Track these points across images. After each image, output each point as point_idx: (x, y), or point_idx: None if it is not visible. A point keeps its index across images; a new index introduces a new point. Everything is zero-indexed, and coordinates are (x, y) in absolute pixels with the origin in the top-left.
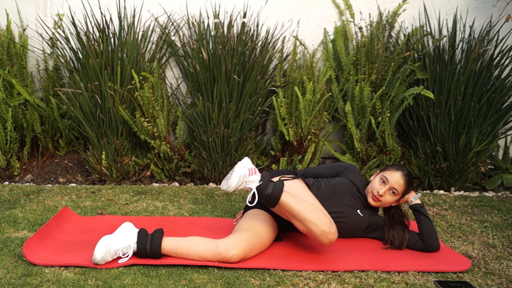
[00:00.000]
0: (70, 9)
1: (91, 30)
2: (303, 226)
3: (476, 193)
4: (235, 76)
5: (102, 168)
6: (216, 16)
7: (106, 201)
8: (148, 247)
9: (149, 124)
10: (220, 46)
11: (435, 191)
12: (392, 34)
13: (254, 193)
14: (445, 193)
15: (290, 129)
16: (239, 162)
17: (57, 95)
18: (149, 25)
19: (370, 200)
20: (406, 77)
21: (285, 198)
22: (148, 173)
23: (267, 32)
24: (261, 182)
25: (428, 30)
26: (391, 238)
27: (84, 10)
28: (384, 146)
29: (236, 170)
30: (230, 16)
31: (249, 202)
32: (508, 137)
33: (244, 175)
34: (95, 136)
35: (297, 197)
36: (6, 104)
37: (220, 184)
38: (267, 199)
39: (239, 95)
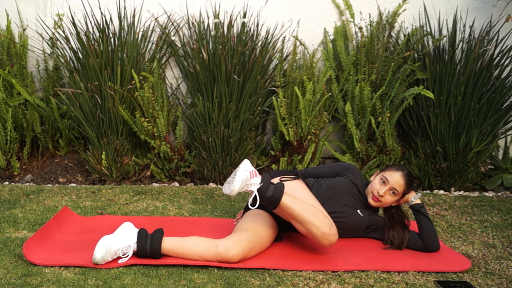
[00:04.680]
0: (70, 9)
1: (91, 30)
2: (304, 228)
3: (476, 193)
4: (235, 76)
5: (102, 168)
6: (216, 16)
7: (106, 201)
8: (148, 247)
9: (149, 124)
10: (220, 46)
11: (435, 191)
12: (392, 34)
13: (255, 195)
14: (445, 193)
15: (290, 129)
16: (240, 165)
17: (57, 95)
18: (149, 25)
19: (370, 200)
20: (406, 77)
21: (285, 200)
22: (148, 173)
23: (267, 32)
24: (262, 185)
25: (428, 30)
26: (391, 238)
27: (84, 10)
28: (384, 146)
29: (238, 173)
30: (230, 16)
31: (250, 205)
32: (508, 137)
33: (246, 178)
34: (95, 136)
35: (298, 199)
36: (6, 104)
37: (219, 184)
38: (268, 201)
39: (239, 95)
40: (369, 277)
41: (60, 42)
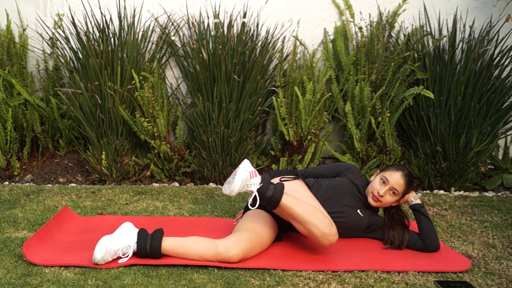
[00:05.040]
0: (70, 9)
1: (91, 30)
2: (304, 228)
3: (476, 193)
4: (235, 76)
5: (102, 168)
6: (216, 16)
7: (106, 201)
8: (148, 247)
9: (149, 124)
10: (220, 46)
11: (435, 191)
12: (392, 34)
13: (255, 196)
14: (445, 193)
15: (290, 129)
16: (240, 165)
17: (57, 95)
18: (149, 25)
19: (370, 200)
20: (406, 77)
21: (285, 200)
22: (148, 173)
23: (267, 32)
24: (262, 185)
25: (428, 30)
26: (391, 238)
27: (84, 10)
28: (384, 146)
29: (238, 173)
30: (230, 16)
31: (250, 205)
32: (508, 137)
33: (246, 178)
34: (95, 136)
35: (298, 199)
36: (6, 104)
37: (219, 184)
38: (268, 201)
39: (239, 95)
40: (369, 277)
41: (60, 42)
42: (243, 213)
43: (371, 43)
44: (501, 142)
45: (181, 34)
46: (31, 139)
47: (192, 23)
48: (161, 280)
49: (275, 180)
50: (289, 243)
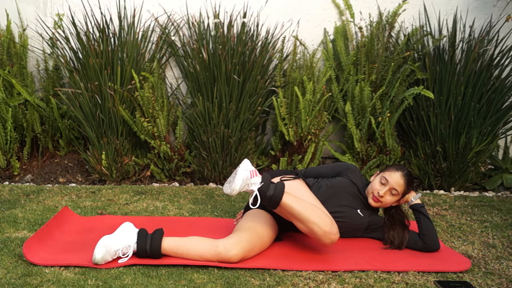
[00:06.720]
0: (70, 9)
1: (91, 30)
2: (305, 226)
3: (476, 193)
4: (235, 76)
5: (102, 168)
6: (216, 16)
7: (106, 201)
8: (148, 247)
9: (149, 124)
10: (220, 46)
11: (435, 191)
12: (392, 34)
13: (256, 195)
14: (445, 193)
15: (290, 129)
16: (240, 165)
17: (57, 95)
18: (149, 25)
19: (370, 201)
20: (406, 77)
21: (286, 199)
22: (148, 173)
23: (267, 32)
24: (262, 184)
25: (428, 30)
26: (391, 238)
27: (84, 10)
28: (384, 146)
29: (238, 173)
30: (230, 16)
31: (251, 204)
32: (508, 137)
33: (246, 177)
34: (95, 136)
35: (298, 198)
36: (6, 104)
37: (220, 184)
38: (269, 200)
39: (239, 95)
40: (369, 277)
41: (60, 42)
42: (243, 213)
43: (371, 43)
44: (501, 142)
45: (181, 34)
46: (31, 139)
47: (192, 23)
48: (161, 280)
49: (276, 180)
50: (289, 243)
